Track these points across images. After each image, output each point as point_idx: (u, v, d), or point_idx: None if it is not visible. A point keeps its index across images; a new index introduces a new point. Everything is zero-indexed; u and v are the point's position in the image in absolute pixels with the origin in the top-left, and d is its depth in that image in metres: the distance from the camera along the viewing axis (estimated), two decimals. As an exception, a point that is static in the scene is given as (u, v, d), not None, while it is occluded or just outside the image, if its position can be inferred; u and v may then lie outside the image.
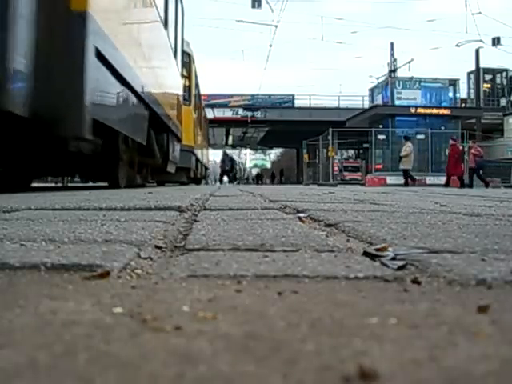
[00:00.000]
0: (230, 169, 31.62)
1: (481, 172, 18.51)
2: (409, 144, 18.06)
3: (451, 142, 18.35)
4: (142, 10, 8.09)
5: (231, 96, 37.48)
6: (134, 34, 7.18)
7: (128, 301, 0.73)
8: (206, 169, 27.11)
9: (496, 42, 32.96)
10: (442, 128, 27.76)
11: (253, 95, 37.58)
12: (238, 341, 0.55)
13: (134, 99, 7.24)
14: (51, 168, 7.79)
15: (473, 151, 18.13)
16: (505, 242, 1.35)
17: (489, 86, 36.64)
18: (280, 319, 0.64)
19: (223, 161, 31.72)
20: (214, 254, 1.12)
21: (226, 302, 0.72)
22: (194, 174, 18.79)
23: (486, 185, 17.34)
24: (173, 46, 11.89)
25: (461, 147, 18.68)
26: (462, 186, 16.84)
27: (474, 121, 30.86)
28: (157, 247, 1.24)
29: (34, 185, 9.32)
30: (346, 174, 33.07)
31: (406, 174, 18.26)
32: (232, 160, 32.93)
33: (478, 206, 3.14)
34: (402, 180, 23.01)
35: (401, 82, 31.81)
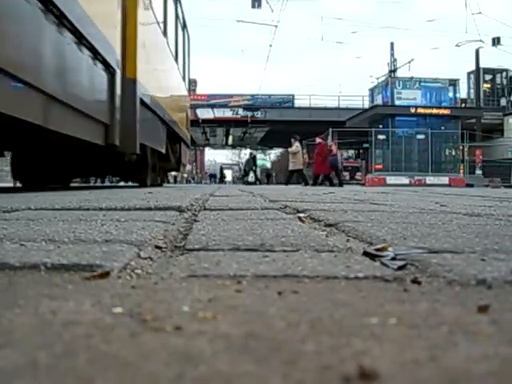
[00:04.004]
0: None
1: (338, 170, 18.14)
2: (297, 144, 17.62)
3: (318, 140, 17.89)
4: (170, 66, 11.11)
5: (231, 96, 37.44)
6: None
7: (128, 301, 0.73)
8: (183, 143, 14.28)
9: (496, 42, 32.96)
10: (442, 128, 27.78)
11: (253, 95, 37.53)
12: (238, 341, 0.55)
13: (158, 122, 9.55)
14: (104, 171, 10.87)
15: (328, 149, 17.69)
16: (505, 242, 1.35)
17: (489, 86, 36.63)
18: (280, 319, 0.64)
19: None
20: (214, 254, 1.12)
21: (226, 302, 0.72)
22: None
23: (331, 184, 16.96)
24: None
25: (334, 147, 18.24)
26: (332, 184, 16.58)
27: (474, 121, 30.86)
28: (157, 247, 1.24)
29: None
30: (345, 174, 33.02)
31: (293, 174, 18.01)
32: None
33: (478, 206, 3.14)
34: (402, 180, 23.07)
35: (401, 82, 31.78)
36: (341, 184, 16.96)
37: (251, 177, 28.39)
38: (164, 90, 10.72)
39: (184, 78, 14.72)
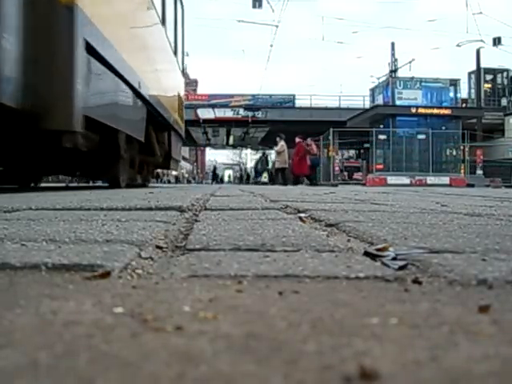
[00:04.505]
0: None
1: (317, 169, 18.57)
2: (282, 143, 17.74)
3: (297, 140, 17.94)
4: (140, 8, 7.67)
5: (232, 96, 37.42)
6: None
7: (129, 301, 0.73)
8: (173, 133, 11.46)
9: (497, 41, 32.93)
10: (443, 128, 27.73)
11: (254, 95, 37.52)
12: (239, 341, 0.55)
13: (130, 94, 6.84)
14: (50, 167, 7.49)
15: (308, 149, 17.91)
16: (505, 242, 1.35)
17: (489, 86, 36.60)
18: (281, 319, 0.64)
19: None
20: (215, 254, 1.12)
21: (227, 302, 0.72)
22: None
23: (313, 183, 17.40)
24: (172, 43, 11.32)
25: (314, 146, 18.37)
26: (312, 183, 16.83)
27: (474, 121, 30.84)
28: (158, 247, 1.24)
29: (42, 185, 9.47)
30: (346, 173, 32.99)
31: (279, 173, 18.17)
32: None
33: (479, 206, 3.13)
34: (403, 180, 23.05)
35: (402, 82, 31.75)
36: (312, 183, 17.29)
37: (264, 177, 27.83)
38: (143, 54, 7.87)
39: (175, 53, 11.94)
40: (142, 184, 10.52)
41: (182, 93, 14.00)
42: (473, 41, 32.35)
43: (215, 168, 49.94)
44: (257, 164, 28.79)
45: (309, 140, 18.11)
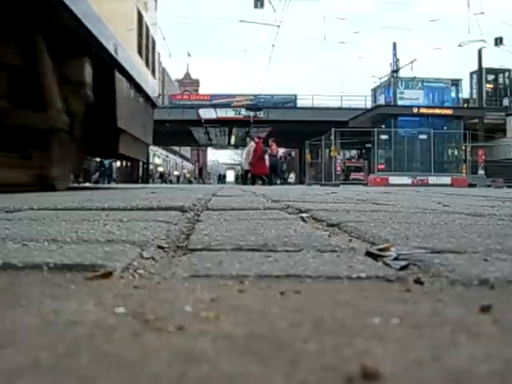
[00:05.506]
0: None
1: (278, 170, 18.71)
2: (252, 144, 17.72)
3: (256, 140, 17.89)
4: None
5: (234, 96, 37.39)
6: None
7: (130, 301, 0.73)
8: (119, 73, 6.47)
9: (498, 42, 32.89)
10: (445, 128, 27.72)
11: (255, 95, 37.50)
12: (241, 341, 0.55)
13: None
14: None
15: (268, 150, 17.94)
16: (507, 242, 1.35)
17: (491, 86, 36.53)
18: (282, 319, 0.64)
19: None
20: (217, 254, 1.12)
21: (229, 302, 0.72)
22: None
23: (270, 183, 17.41)
24: None
25: (274, 147, 18.35)
26: (269, 183, 16.85)
27: (476, 121, 30.80)
28: (159, 247, 1.24)
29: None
30: (348, 173, 32.94)
31: (247, 174, 18.26)
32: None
33: (481, 206, 3.13)
34: (405, 180, 23.03)
35: (403, 82, 31.74)
36: (269, 183, 17.27)
37: (291, 177, 27.00)
38: None
39: None
40: (39, 184, 5.41)
41: (153, 23, 8.45)
42: (474, 41, 32.32)
43: (201, 168, 50.38)
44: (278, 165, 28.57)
45: (270, 141, 18.10)
